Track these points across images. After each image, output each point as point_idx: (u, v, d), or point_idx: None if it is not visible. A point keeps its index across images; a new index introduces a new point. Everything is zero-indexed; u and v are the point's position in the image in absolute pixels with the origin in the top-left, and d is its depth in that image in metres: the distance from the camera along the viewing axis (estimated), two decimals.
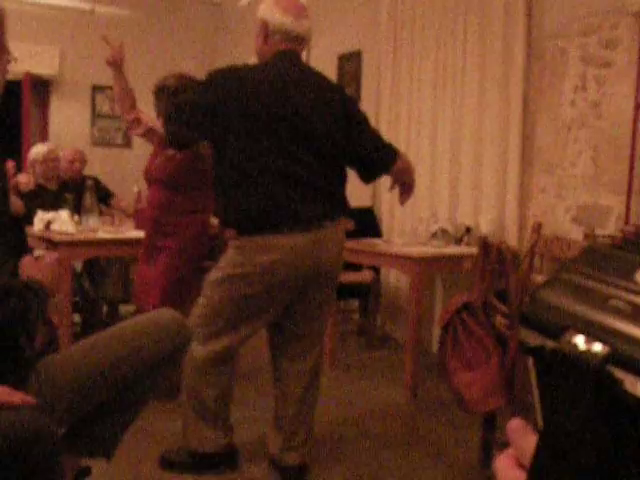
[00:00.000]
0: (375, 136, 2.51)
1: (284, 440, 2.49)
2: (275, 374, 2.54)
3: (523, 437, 0.45)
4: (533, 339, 0.38)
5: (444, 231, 4.02)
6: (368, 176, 2.58)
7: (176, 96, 2.87)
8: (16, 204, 3.87)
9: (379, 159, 2.50)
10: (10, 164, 3.46)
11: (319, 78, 2.42)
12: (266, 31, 2.34)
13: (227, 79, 2.25)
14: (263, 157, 2.22)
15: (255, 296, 2.29)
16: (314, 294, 2.38)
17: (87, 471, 1.87)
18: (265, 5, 2.35)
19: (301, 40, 2.36)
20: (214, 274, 2.36)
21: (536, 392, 0.40)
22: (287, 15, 2.31)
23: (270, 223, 2.22)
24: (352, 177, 2.59)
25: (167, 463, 2.56)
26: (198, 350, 2.37)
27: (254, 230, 2.23)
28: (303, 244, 2.23)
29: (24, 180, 4.37)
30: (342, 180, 2.44)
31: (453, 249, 3.85)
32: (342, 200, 2.41)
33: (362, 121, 2.49)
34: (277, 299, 2.32)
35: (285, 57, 2.33)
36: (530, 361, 0.40)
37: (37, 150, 4.48)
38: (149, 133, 3.23)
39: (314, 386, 2.52)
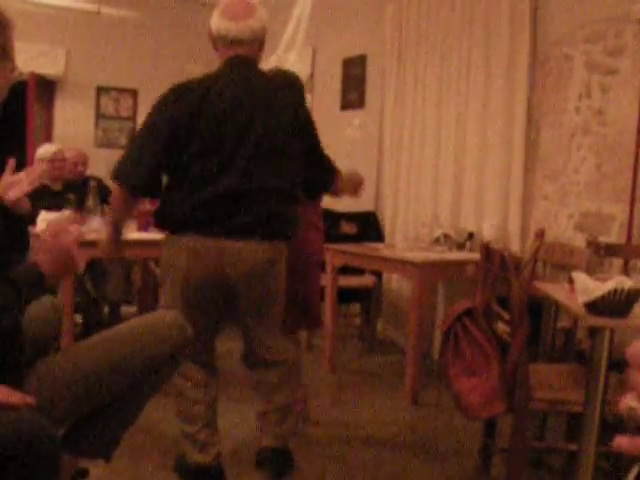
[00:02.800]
0: (321, 155, 2.48)
1: (260, 424, 2.54)
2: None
3: None
4: None
5: (447, 236, 4.02)
6: (309, 194, 2.56)
7: None
8: (23, 202, 3.86)
9: (322, 181, 2.53)
10: (12, 161, 3.44)
11: (268, 83, 2.36)
12: (212, 39, 2.34)
13: (169, 98, 2.28)
14: (196, 166, 2.23)
15: (175, 285, 2.34)
16: (238, 306, 2.38)
17: (84, 473, 1.86)
18: (213, 14, 2.34)
19: (241, 42, 2.28)
20: None
21: None
22: (223, 19, 2.28)
23: (181, 224, 2.27)
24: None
25: (176, 468, 2.58)
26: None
27: (171, 228, 2.32)
28: (204, 248, 2.25)
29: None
30: (287, 200, 2.35)
31: (455, 255, 3.85)
32: (280, 222, 2.34)
33: (312, 139, 2.43)
34: (195, 297, 2.34)
35: (230, 64, 2.31)
36: None
37: (45, 149, 4.47)
38: None
39: (285, 386, 2.54)
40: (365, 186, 2.78)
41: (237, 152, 2.24)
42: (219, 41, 2.31)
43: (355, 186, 2.71)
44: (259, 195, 2.27)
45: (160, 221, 2.40)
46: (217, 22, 2.29)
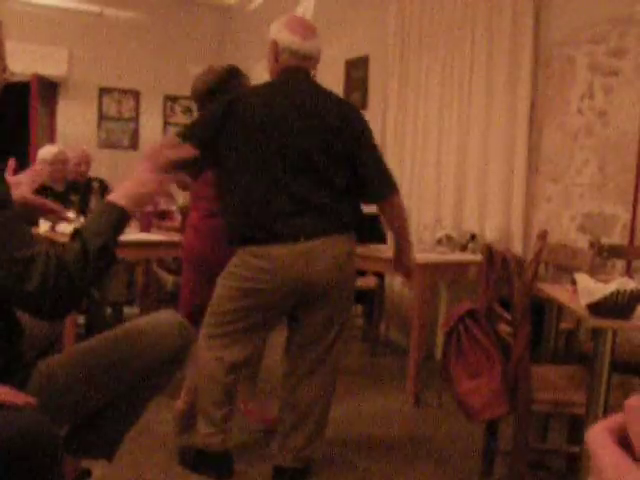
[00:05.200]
0: (380, 162, 2.49)
1: (281, 442, 2.54)
2: (284, 380, 2.57)
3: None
4: None
5: (449, 238, 4.02)
6: (364, 197, 2.56)
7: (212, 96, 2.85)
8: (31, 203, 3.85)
9: (377, 184, 2.46)
10: (12, 161, 3.44)
11: (326, 95, 2.48)
12: (276, 50, 2.46)
13: (232, 101, 2.36)
14: (255, 174, 2.33)
15: (247, 295, 2.39)
16: (316, 308, 2.44)
17: (87, 473, 1.87)
18: (275, 26, 2.49)
19: (308, 58, 2.47)
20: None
21: None
22: (295, 35, 2.43)
23: (257, 237, 2.34)
24: None
25: (180, 460, 2.65)
26: (206, 356, 2.49)
27: (246, 242, 2.37)
28: (288, 255, 2.32)
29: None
30: (343, 196, 2.42)
31: (458, 256, 3.84)
32: (340, 216, 2.42)
33: (371, 145, 2.48)
34: (268, 304, 2.41)
35: (291, 73, 2.45)
36: None
37: (46, 151, 4.49)
38: None
39: (322, 399, 2.53)
40: None
41: (286, 157, 2.33)
42: (286, 53, 2.45)
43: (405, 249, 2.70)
44: (313, 196, 2.36)
45: (231, 235, 2.45)
46: (288, 37, 2.43)
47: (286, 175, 2.33)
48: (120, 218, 1.55)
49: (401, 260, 2.66)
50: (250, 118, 2.32)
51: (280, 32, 2.46)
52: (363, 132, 2.46)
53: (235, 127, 2.33)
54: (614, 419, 0.42)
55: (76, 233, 1.48)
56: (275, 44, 2.46)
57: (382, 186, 2.45)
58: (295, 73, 2.45)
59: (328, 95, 2.48)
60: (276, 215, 2.32)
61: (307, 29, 2.48)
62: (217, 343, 2.46)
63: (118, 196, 1.58)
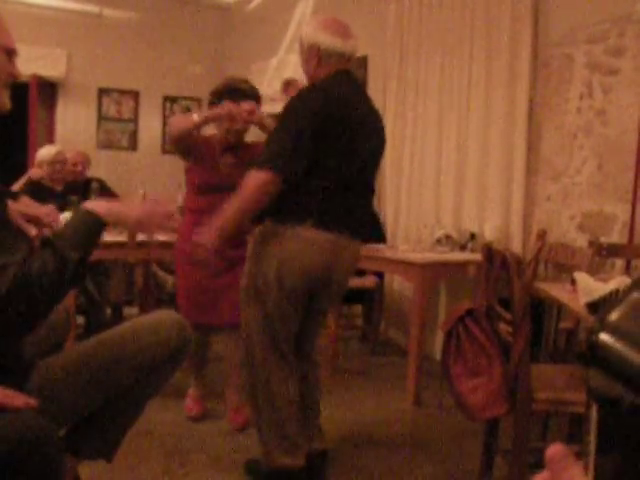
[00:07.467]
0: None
1: (313, 427, 2.62)
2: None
3: (564, 469, 0.40)
4: (607, 386, 0.34)
5: (448, 237, 4.02)
6: None
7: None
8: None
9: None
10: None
11: (370, 99, 2.53)
12: (318, 54, 2.35)
13: (318, 100, 2.26)
14: (343, 171, 2.30)
15: (293, 287, 2.34)
16: (322, 300, 2.48)
17: None
18: (311, 29, 2.38)
19: (351, 59, 2.42)
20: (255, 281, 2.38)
21: (593, 440, 0.37)
22: (336, 36, 2.35)
23: (329, 222, 2.29)
24: None
25: (251, 472, 2.59)
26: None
27: (296, 220, 2.28)
28: (345, 249, 2.36)
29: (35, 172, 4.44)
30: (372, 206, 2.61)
31: (457, 255, 3.85)
32: (369, 224, 2.57)
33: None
34: (303, 292, 2.37)
35: (344, 77, 2.37)
36: (594, 409, 0.36)
37: (45, 151, 4.50)
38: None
39: (315, 375, 2.68)
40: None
41: (361, 154, 2.35)
42: (332, 57, 2.35)
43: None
44: (366, 197, 2.47)
45: (285, 210, 2.31)
46: (331, 39, 2.34)
47: (361, 176, 2.38)
48: (97, 229, 1.56)
49: None
50: (343, 118, 2.27)
51: (320, 35, 2.35)
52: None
53: (330, 128, 2.25)
54: (541, 478, 0.42)
55: (49, 243, 1.45)
56: (316, 48, 2.34)
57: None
58: (346, 76, 2.38)
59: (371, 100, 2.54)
60: (351, 210, 2.36)
61: (346, 29, 2.39)
62: (284, 360, 2.42)
63: (98, 205, 1.58)
